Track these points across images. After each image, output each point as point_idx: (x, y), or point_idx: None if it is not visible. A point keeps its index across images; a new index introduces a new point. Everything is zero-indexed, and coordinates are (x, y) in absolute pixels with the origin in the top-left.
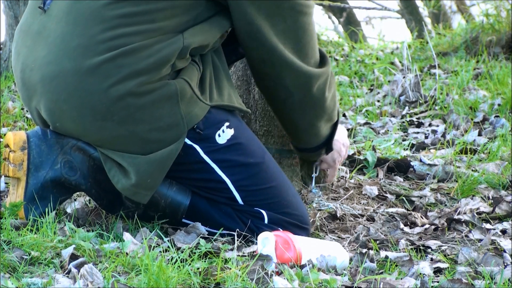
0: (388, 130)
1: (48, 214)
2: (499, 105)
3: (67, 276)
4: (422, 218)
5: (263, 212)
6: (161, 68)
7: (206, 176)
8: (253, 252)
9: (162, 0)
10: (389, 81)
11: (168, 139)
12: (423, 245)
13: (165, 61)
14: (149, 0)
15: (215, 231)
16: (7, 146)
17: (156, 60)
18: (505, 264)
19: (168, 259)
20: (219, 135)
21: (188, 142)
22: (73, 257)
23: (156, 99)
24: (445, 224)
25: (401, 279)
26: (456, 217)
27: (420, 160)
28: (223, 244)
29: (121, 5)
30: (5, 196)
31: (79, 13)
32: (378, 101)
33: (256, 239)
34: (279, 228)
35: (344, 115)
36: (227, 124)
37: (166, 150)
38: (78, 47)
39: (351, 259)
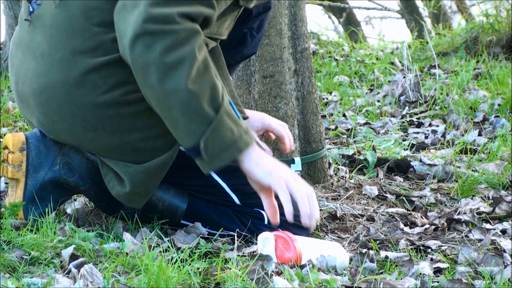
0: (388, 130)
1: (48, 215)
2: (499, 105)
3: (67, 276)
4: (422, 218)
5: (263, 212)
6: None
7: (203, 182)
8: (253, 252)
9: None
10: (389, 81)
11: (162, 147)
12: (423, 245)
13: None
14: None
15: (215, 232)
16: (6, 147)
17: None
18: (505, 264)
19: (168, 259)
20: None
21: (183, 149)
22: (73, 257)
23: (147, 107)
24: (445, 224)
25: (401, 279)
26: (456, 217)
27: (420, 160)
28: (223, 244)
29: (96, 14)
30: (5, 197)
31: (60, 25)
32: (378, 101)
33: (256, 240)
34: (279, 229)
35: (344, 115)
36: None
37: (160, 159)
38: (63, 60)
39: (351, 259)
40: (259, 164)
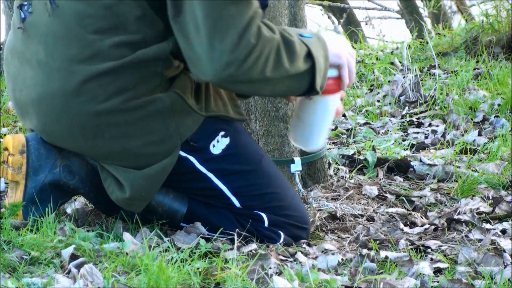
0: (388, 130)
1: (48, 215)
2: (499, 105)
3: (67, 276)
4: (422, 218)
5: (263, 215)
6: (147, 81)
7: (203, 185)
8: (252, 250)
9: (132, 10)
10: (389, 81)
11: (162, 152)
12: (423, 245)
13: (150, 73)
14: (117, 10)
15: (214, 234)
16: (6, 149)
17: (140, 74)
18: (505, 264)
19: (168, 259)
20: (213, 145)
21: (183, 154)
22: (73, 257)
23: (147, 114)
24: (445, 224)
25: (401, 279)
26: (456, 217)
27: (420, 160)
28: (223, 244)
29: (91, 21)
30: (5, 197)
31: (55, 34)
32: (378, 101)
33: (256, 241)
34: (280, 230)
35: (344, 115)
36: (222, 133)
37: (160, 164)
38: (61, 69)
39: (351, 260)
40: (330, 51)
